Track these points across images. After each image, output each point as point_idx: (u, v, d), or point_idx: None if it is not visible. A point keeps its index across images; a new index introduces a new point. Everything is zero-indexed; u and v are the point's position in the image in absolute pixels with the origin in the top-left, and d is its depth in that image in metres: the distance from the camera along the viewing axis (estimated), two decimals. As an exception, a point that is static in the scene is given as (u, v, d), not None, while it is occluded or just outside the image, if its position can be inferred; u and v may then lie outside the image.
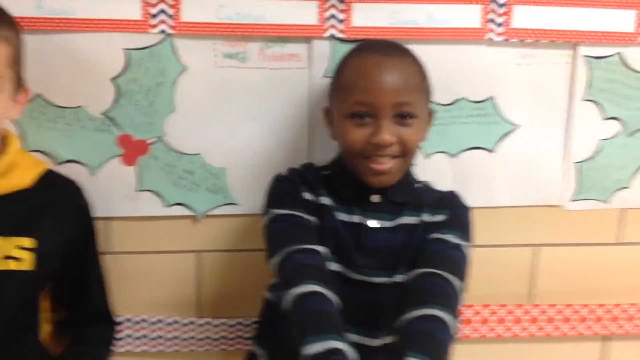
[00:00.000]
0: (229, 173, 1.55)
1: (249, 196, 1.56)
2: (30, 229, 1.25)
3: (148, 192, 1.54)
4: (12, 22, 1.25)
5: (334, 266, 1.32)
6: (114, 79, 1.47)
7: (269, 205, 1.37)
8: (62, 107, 1.47)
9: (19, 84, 1.25)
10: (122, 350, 1.59)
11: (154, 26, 1.44)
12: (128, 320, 1.59)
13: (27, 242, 1.25)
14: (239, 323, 1.63)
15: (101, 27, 1.43)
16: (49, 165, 1.34)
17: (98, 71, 1.46)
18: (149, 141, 1.51)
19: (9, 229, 1.24)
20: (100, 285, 1.44)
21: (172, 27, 1.45)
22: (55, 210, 1.30)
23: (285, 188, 1.37)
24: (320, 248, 1.28)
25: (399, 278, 1.33)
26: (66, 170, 1.47)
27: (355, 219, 1.34)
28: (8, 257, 1.25)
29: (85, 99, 1.47)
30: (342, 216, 1.35)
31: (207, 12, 1.45)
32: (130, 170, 1.52)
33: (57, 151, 1.49)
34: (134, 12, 1.43)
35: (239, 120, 1.52)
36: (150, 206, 1.55)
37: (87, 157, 1.50)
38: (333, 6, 1.48)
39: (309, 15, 1.48)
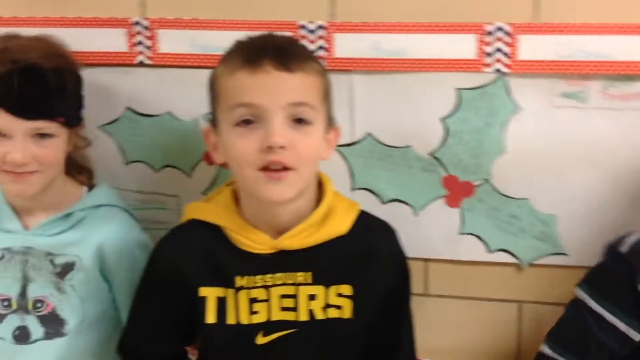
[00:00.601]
0: (560, 221, 1.44)
1: (581, 247, 1.44)
2: (350, 276, 1.20)
3: (470, 236, 1.48)
4: (319, 60, 1.25)
5: None
6: (443, 119, 1.42)
7: (587, 284, 1.25)
8: (390, 146, 1.45)
9: (329, 122, 1.21)
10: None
11: (489, 65, 1.37)
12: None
13: (347, 289, 1.20)
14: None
15: (433, 67, 1.39)
16: (361, 207, 1.27)
17: (427, 111, 1.42)
18: (475, 183, 1.45)
19: (329, 278, 1.20)
20: (411, 337, 1.31)
21: (508, 66, 1.37)
22: (374, 256, 1.23)
23: (616, 273, 1.23)
24: None
25: None
26: (390, 210, 1.45)
27: None
28: (328, 306, 1.20)
29: (414, 139, 1.44)
30: None
31: (545, 50, 1.35)
32: (454, 212, 1.47)
33: (383, 190, 1.48)
34: (469, 52, 1.37)
35: (575, 165, 1.41)
36: (472, 250, 1.48)
37: (412, 197, 1.47)
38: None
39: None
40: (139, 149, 1.55)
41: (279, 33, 1.25)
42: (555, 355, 1.29)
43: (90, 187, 1.43)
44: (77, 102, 1.35)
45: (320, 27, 1.40)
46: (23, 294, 1.35)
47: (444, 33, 1.37)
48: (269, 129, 1.13)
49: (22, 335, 1.35)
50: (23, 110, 1.24)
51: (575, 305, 1.28)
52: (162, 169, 1.56)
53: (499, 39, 1.35)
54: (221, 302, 1.21)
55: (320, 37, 1.42)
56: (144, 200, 1.57)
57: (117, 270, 1.39)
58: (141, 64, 1.49)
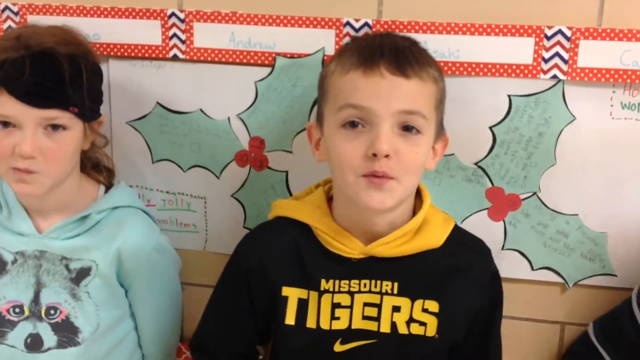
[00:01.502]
0: (611, 239, 1.37)
1: (631, 268, 1.37)
2: (437, 292, 1.16)
3: (514, 252, 1.41)
4: (438, 64, 1.19)
5: None
6: (492, 127, 1.34)
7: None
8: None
9: (439, 132, 1.16)
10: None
11: (545, 71, 1.30)
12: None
13: (433, 305, 1.15)
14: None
15: (485, 72, 1.32)
16: (455, 222, 1.24)
17: (475, 117, 1.35)
18: (521, 196, 1.37)
19: (415, 291, 1.16)
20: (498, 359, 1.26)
21: (565, 73, 1.30)
22: (466, 273, 1.18)
23: None
24: None
25: None
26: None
27: None
28: (412, 321, 1.16)
29: (458, 147, 1.36)
30: None
31: (607, 57, 1.27)
32: (497, 226, 1.40)
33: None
34: (525, 56, 1.30)
35: (632, 181, 1.33)
36: (515, 267, 1.41)
37: (453, 208, 1.40)
38: None
39: None
40: (168, 147, 1.48)
41: (399, 33, 1.23)
42: (594, 339, 1.34)
43: (108, 187, 1.35)
44: (93, 94, 1.27)
45: (366, 24, 1.33)
46: (36, 300, 1.28)
47: (498, 35, 1.30)
48: (376, 135, 1.07)
49: (34, 344, 1.28)
50: (34, 97, 1.17)
51: (626, 300, 1.29)
52: (191, 169, 1.49)
53: (558, 44, 1.27)
54: (303, 304, 1.17)
55: (365, 36, 1.33)
56: (170, 200, 1.50)
57: (134, 276, 1.32)
58: (174, 58, 1.42)
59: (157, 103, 1.46)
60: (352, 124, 1.08)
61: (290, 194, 1.43)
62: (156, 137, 1.48)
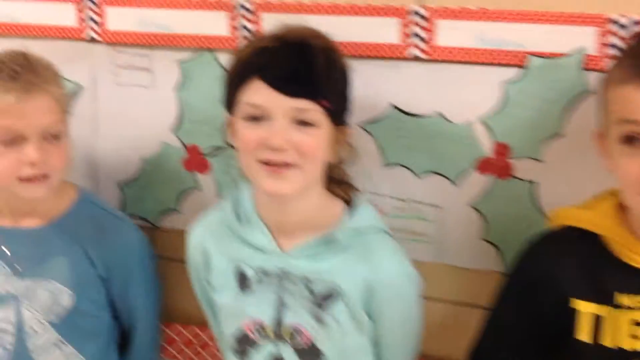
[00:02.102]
0: None
1: None
2: None
3: None
4: None
5: None
6: None
7: None
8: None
9: None
10: None
11: None
12: None
13: None
14: None
15: None
16: None
17: None
18: None
19: None
20: None
21: None
22: None
23: None
24: None
25: None
26: None
27: None
28: None
29: None
30: None
31: None
32: None
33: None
34: None
35: None
36: None
37: None
38: None
39: None
40: (401, 151, 1.40)
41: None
42: None
43: (349, 203, 1.25)
44: (343, 93, 1.21)
45: (636, 22, 1.17)
46: (279, 321, 1.21)
47: None
48: None
49: None
50: (287, 84, 1.12)
51: None
52: (425, 176, 1.40)
53: None
54: (596, 320, 1.09)
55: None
56: (401, 208, 1.43)
57: (385, 306, 1.22)
58: (414, 58, 1.33)
59: (392, 105, 1.38)
60: (630, 140, 1.00)
61: (539, 205, 1.32)
62: (389, 140, 1.40)
